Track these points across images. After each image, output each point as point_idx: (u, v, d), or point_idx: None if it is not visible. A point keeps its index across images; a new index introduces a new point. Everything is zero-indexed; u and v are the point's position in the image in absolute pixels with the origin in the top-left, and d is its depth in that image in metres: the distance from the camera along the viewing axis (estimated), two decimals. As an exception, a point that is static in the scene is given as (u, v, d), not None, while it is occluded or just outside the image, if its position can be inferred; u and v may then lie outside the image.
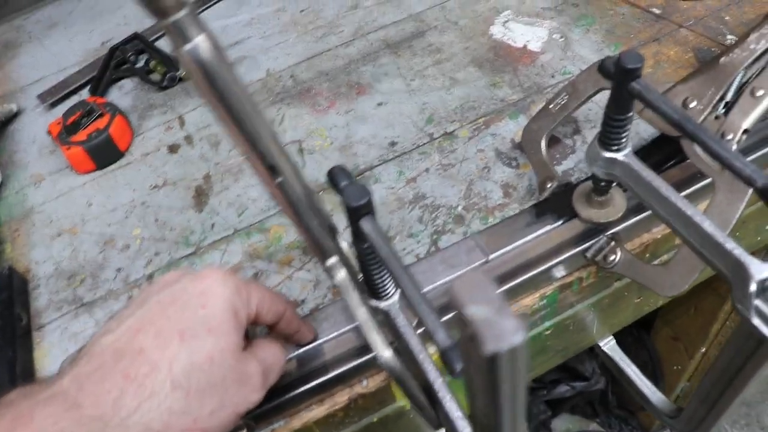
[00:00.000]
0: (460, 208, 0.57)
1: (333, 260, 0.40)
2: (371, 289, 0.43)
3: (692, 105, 0.48)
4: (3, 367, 0.51)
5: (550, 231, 0.51)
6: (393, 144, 0.64)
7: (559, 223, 0.52)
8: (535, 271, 0.50)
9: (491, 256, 0.51)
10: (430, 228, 0.56)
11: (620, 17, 0.71)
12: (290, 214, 0.36)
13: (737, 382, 0.41)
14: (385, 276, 0.42)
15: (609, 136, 0.42)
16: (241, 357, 0.39)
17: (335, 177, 0.39)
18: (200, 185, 0.65)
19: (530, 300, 0.52)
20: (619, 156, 0.42)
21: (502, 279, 0.50)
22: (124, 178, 0.68)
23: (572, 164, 0.58)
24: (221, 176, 0.66)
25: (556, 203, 0.53)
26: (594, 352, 1.17)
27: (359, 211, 0.37)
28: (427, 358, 0.40)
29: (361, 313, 0.40)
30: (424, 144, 0.63)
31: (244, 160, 0.66)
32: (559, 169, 0.58)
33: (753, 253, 0.35)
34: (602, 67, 0.45)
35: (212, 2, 0.87)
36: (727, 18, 0.68)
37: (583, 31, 0.71)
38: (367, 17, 0.79)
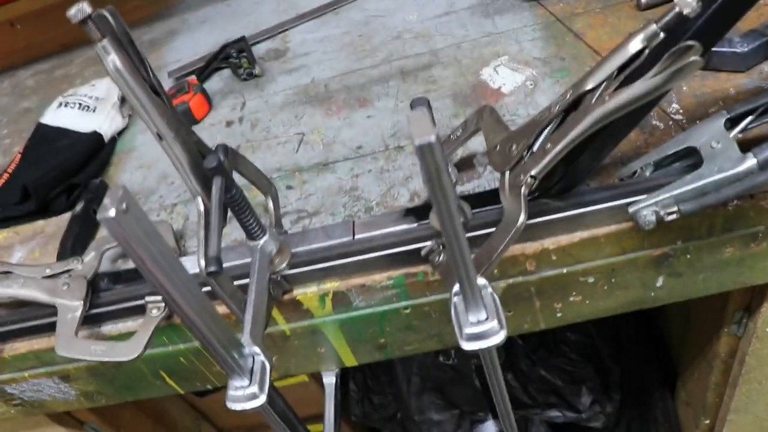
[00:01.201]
0: (374, 202, 0.74)
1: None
2: (246, 232, 0.63)
3: (514, 150, 0.61)
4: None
5: (406, 229, 0.67)
6: (359, 147, 0.82)
7: (415, 225, 0.67)
8: (382, 253, 0.66)
9: (356, 237, 0.68)
10: (347, 211, 0.74)
11: (590, 76, 0.82)
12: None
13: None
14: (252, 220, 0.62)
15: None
16: None
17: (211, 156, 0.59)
18: (226, 153, 0.89)
19: (379, 277, 0.68)
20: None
21: (361, 254, 0.67)
22: (186, 139, 0.94)
23: (472, 188, 0.72)
24: (245, 148, 0.89)
25: (424, 210, 0.68)
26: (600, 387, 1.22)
27: (214, 171, 0.58)
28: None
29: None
30: (379, 152, 0.81)
31: (264, 138, 0.89)
32: (463, 188, 0.73)
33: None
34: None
35: (305, 20, 1.11)
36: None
37: (553, 82, 0.83)
38: (400, 47, 0.98)
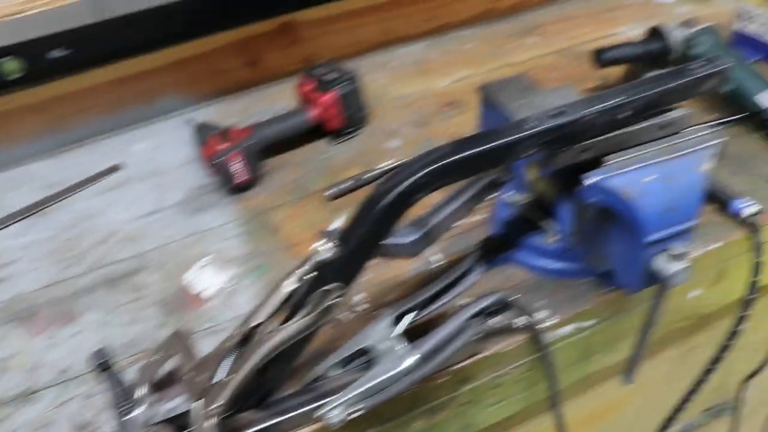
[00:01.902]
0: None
1: None
2: None
3: (201, 379, 0.66)
4: None
5: None
6: (64, 371, 0.82)
7: None
8: None
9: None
10: None
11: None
12: None
13: None
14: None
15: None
16: None
17: None
18: None
19: None
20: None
21: None
22: None
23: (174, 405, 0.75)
24: None
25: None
26: None
27: None
28: None
29: None
30: (86, 374, 0.80)
31: None
32: (164, 406, 0.75)
33: None
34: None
35: (8, 223, 1.09)
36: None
37: (253, 281, 0.91)
38: (107, 252, 1.00)
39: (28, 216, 1.11)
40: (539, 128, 0.67)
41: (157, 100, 1.28)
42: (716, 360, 0.94)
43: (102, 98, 1.24)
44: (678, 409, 0.97)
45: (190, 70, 1.28)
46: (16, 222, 1.10)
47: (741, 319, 0.89)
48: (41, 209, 1.11)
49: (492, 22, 1.52)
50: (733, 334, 0.90)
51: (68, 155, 1.23)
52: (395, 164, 1.04)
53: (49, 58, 1.16)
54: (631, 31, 1.42)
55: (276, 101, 1.26)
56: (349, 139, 1.15)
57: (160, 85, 1.27)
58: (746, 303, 0.88)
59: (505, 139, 0.66)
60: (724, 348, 0.92)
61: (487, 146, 0.66)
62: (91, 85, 1.22)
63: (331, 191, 1.02)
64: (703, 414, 1.31)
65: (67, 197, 1.13)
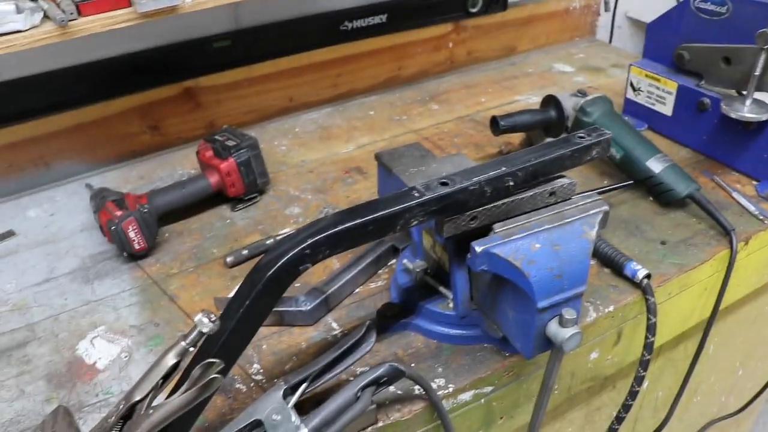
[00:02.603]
0: None
1: None
2: None
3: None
4: None
5: None
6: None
7: None
8: None
9: None
10: None
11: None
12: None
13: None
14: None
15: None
16: None
17: None
18: None
19: None
20: None
21: None
22: None
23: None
24: None
25: None
26: None
27: None
28: None
29: None
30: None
31: None
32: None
33: None
34: None
35: None
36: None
37: (147, 351, 0.89)
38: (-7, 322, 0.97)
39: None
40: (425, 198, 0.69)
41: (55, 164, 1.26)
42: (619, 420, 0.98)
43: (-5, 163, 1.22)
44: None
45: (89, 134, 1.27)
46: None
47: (640, 379, 0.93)
48: (-77, 280, 1.07)
49: (396, 88, 1.58)
50: (633, 394, 0.94)
51: (-42, 221, 1.20)
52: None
53: (-60, 121, 1.14)
54: (531, 98, 1.51)
55: (177, 167, 1.27)
56: (249, 205, 1.16)
57: (57, 149, 1.25)
58: (643, 363, 0.92)
59: (391, 209, 0.68)
60: (627, 407, 0.96)
61: (372, 216, 0.67)
62: (-18, 150, 1.20)
63: (230, 258, 1.03)
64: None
65: (-47, 266, 1.09)
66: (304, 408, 0.73)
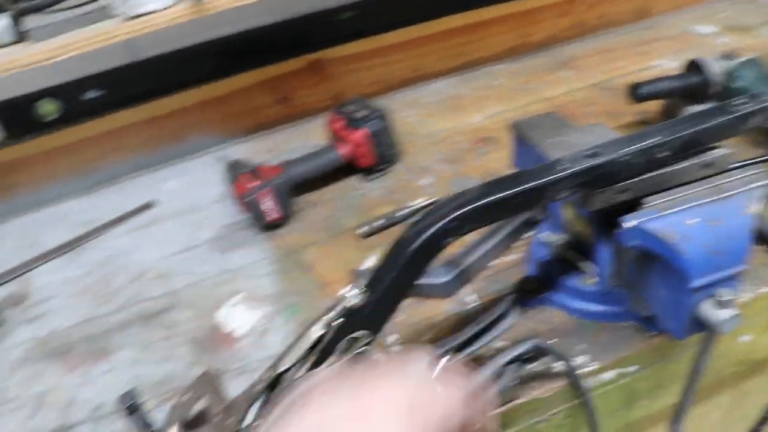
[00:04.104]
0: None
1: None
2: None
3: (229, 423, 0.66)
4: None
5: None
6: (97, 408, 0.82)
7: None
8: None
9: None
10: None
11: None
12: None
13: None
14: None
15: None
16: None
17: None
18: None
19: None
20: None
21: None
22: None
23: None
24: None
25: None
26: None
27: None
28: None
29: None
30: (113, 414, 0.80)
31: None
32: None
33: None
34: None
35: (47, 259, 1.10)
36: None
37: (284, 320, 0.90)
38: (140, 289, 1.00)
39: (62, 254, 1.12)
40: (573, 170, 0.65)
41: (189, 138, 1.30)
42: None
43: (135, 137, 1.27)
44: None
45: (221, 108, 1.30)
46: (51, 259, 1.12)
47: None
48: (75, 247, 1.13)
49: (524, 56, 1.52)
50: (787, 381, 0.86)
51: (101, 194, 1.26)
52: (427, 202, 1.04)
53: (84, 99, 1.19)
54: (669, 63, 1.40)
55: (307, 138, 1.27)
56: (380, 176, 1.15)
57: (191, 123, 1.29)
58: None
59: (537, 182, 0.64)
60: (780, 395, 0.88)
61: (518, 189, 0.64)
62: (124, 125, 1.25)
63: (364, 229, 1.02)
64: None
65: (100, 235, 1.14)
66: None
